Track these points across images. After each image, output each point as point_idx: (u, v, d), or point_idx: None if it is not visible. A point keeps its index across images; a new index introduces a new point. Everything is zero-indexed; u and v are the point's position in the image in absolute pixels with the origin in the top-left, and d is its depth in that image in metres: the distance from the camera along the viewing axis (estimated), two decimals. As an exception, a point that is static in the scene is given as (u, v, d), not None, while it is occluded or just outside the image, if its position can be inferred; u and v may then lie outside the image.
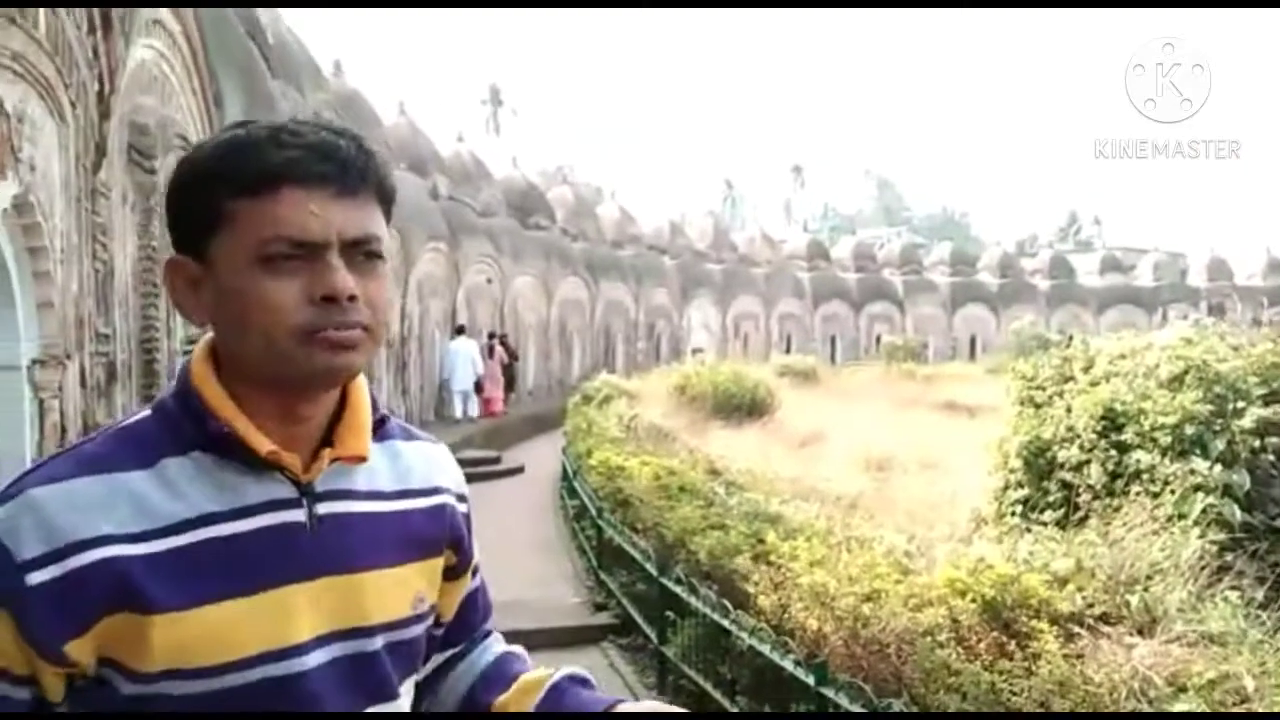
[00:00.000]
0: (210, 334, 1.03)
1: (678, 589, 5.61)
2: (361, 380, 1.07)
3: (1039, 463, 5.51)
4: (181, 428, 0.99)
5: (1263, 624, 3.94)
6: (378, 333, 1.00)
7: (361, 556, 1.03)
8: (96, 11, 4.49)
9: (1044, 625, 3.95)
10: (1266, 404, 4.94)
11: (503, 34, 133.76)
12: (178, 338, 6.32)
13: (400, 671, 1.06)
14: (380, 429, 1.09)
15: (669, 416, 12.76)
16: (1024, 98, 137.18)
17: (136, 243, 6.05)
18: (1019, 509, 5.51)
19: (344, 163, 0.97)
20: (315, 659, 0.98)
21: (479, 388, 18.07)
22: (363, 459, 1.05)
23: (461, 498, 1.17)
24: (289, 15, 14.22)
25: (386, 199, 1.02)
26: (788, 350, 30.23)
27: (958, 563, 4.56)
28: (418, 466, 1.13)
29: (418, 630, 1.08)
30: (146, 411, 1.04)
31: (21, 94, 3.57)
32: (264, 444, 0.97)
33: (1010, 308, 37.14)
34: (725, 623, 4.92)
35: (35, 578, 0.90)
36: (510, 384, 20.03)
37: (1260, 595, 4.17)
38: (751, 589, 5.14)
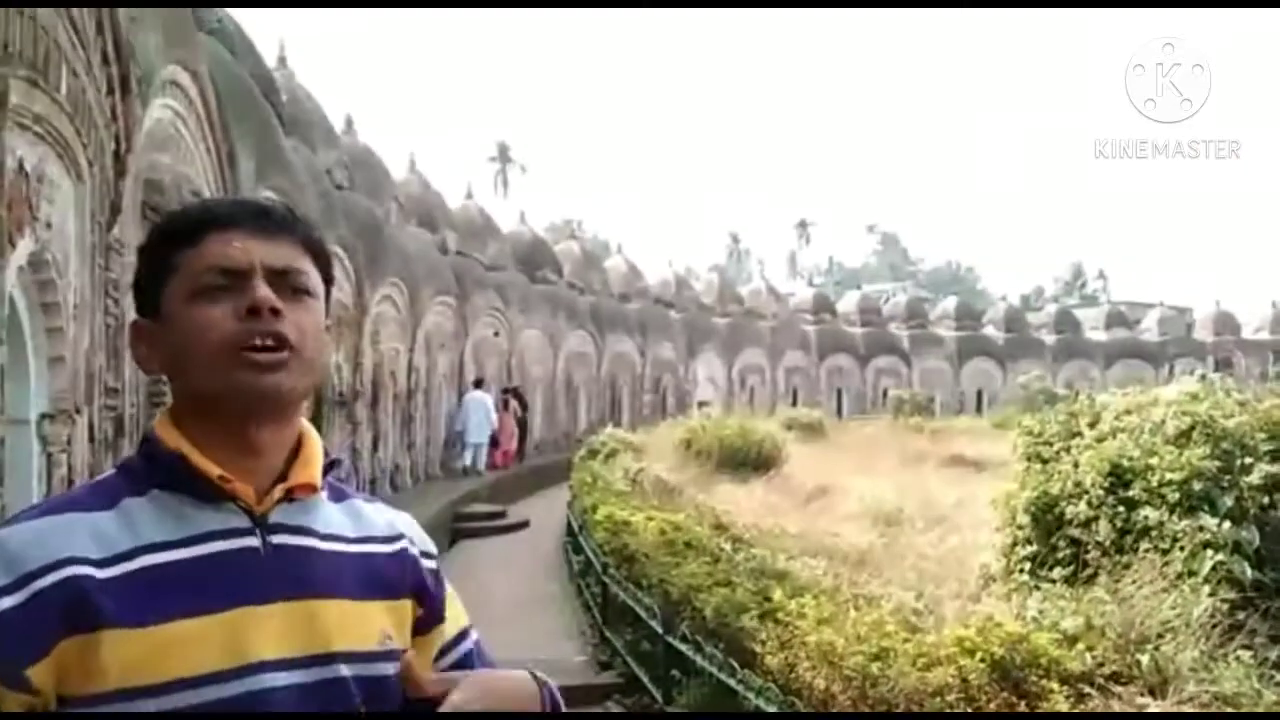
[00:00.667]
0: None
1: (683, 647, 5.55)
2: (309, 425, 1.15)
3: (1047, 519, 5.48)
4: (140, 472, 1.07)
5: (1278, 685, 3.89)
6: (306, 357, 1.08)
7: (320, 585, 1.07)
8: (115, 73, 4.60)
9: (1054, 685, 3.91)
10: (1274, 460, 4.91)
11: (512, 91, 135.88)
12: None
13: (374, 708, 1.06)
14: (330, 470, 1.15)
15: (675, 470, 12.71)
16: (1028, 153, 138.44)
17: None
18: (1027, 566, 5.46)
19: (264, 210, 1.12)
20: (277, 680, 1.00)
21: (494, 441, 18.15)
22: (312, 487, 1.11)
23: (427, 554, 1.21)
24: (302, 72, 14.49)
25: (316, 252, 1.14)
26: (794, 403, 30.19)
27: (966, 621, 4.52)
28: (379, 521, 1.18)
29: (388, 669, 1.08)
30: (112, 470, 1.12)
31: (41, 155, 3.65)
32: (213, 469, 1.04)
33: (1017, 362, 37.12)
34: (732, 682, 4.86)
35: (3, 603, 0.95)
36: (523, 436, 20.13)
37: (1274, 655, 4.11)
38: (758, 648, 5.08)
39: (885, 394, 33.80)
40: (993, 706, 4.02)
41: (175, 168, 5.92)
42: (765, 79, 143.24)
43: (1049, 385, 33.29)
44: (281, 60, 14.15)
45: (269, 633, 1.02)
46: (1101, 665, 4.02)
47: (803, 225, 79.07)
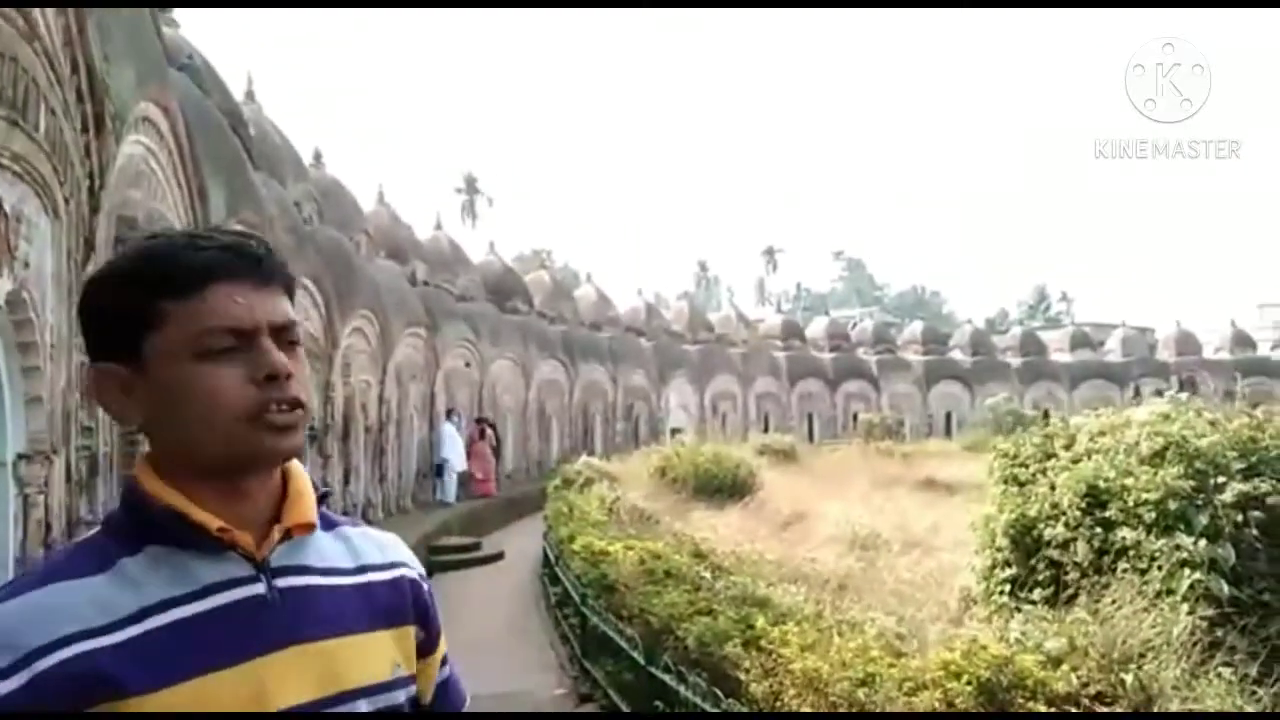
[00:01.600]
0: (146, 448, 1.07)
1: (666, 677, 5.52)
2: (296, 461, 1.12)
3: (1025, 541, 5.53)
4: (131, 529, 1.03)
5: (1258, 700, 3.94)
6: (309, 410, 1.07)
7: (328, 624, 1.06)
8: (90, 110, 4.58)
9: (1040, 707, 3.94)
10: (1246, 478, 5.00)
11: (479, 122, 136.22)
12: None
13: None
14: (323, 502, 1.14)
15: (651, 499, 12.68)
16: (990, 179, 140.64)
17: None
18: (1007, 588, 5.50)
19: (258, 259, 1.06)
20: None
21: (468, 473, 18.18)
22: (312, 526, 1.10)
23: (422, 576, 1.21)
24: (270, 105, 14.47)
25: (291, 291, 1.11)
26: (766, 429, 30.25)
27: (951, 645, 4.54)
28: (371, 548, 1.17)
29: (402, 697, 1.09)
30: (97, 529, 1.08)
31: (20, 194, 3.62)
32: (213, 521, 1.02)
33: (984, 385, 37.51)
34: (716, 712, 4.84)
35: (5, 687, 0.91)
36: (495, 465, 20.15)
37: (1254, 671, 4.16)
38: (742, 676, 5.06)
39: (855, 418, 34.00)
40: (980, 729, 4.04)
41: (147, 203, 5.88)
42: (730, 107, 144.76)
43: (1016, 407, 33.64)
44: (249, 95, 14.13)
45: (286, 679, 1.00)
46: (1086, 685, 4.05)
47: (770, 252, 79.66)
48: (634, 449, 21.93)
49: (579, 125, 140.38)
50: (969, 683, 4.16)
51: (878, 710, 4.30)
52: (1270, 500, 4.86)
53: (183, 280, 1.01)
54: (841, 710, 4.44)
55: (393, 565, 1.17)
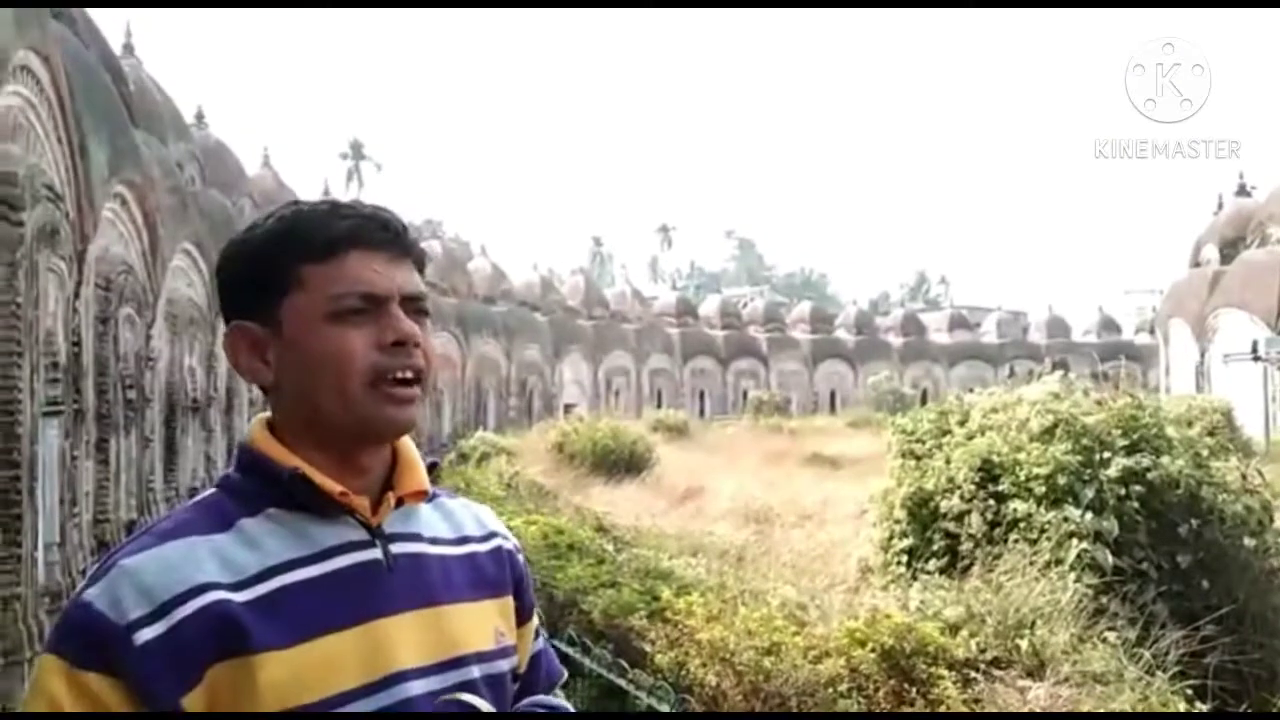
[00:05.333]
0: (265, 413, 1.12)
1: (570, 650, 5.53)
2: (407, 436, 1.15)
3: (922, 513, 5.71)
4: (250, 491, 1.05)
5: (1139, 662, 4.18)
6: (428, 384, 1.09)
7: (440, 591, 1.09)
8: (-36, 55, 4.25)
9: (942, 671, 4.08)
10: (1129, 454, 5.27)
11: (366, 86, 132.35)
12: (39, 401, 5.91)
13: (497, 705, 1.10)
14: (432, 471, 1.16)
15: (549, 474, 12.68)
16: (874, 163, 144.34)
17: (-5, 299, 5.67)
18: (905, 558, 5.68)
19: (396, 232, 1.10)
20: (417, 689, 1.03)
21: None
22: (425, 493, 1.13)
23: (517, 548, 1.24)
24: (150, 61, 13.74)
25: (422, 266, 1.15)
26: (659, 405, 30.56)
27: (854, 613, 4.67)
28: (468, 518, 1.20)
29: (505, 666, 1.13)
30: (212, 489, 1.10)
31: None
32: (335, 486, 1.04)
33: (867, 363, 38.70)
34: (622, 682, 4.87)
35: (143, 635, 0.93)
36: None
37: (1133, 635, 4.41)
38: (648, 647, 5.10)
39: (745, 395, 34.66)
40: (883, 694, 4.17)
41: (26, 159, 5.52)
42: (625, 83, 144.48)
43: (897, 385, 34.87)
44: (128, 48, 13.41)
45: (404, 642, 1.03)
46: (984, 651, 4.22)
47: (665, 230, 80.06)
48: (528, 424, 21.84)
49: (471, 93, 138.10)
50: (873, 650, 4.28)
51: (783, 676, 4.40)
52: (1150, 475, 5.14)
53: (323, 246, 1.05)
54: (748, 679, 4.53)
55: (490, 536, 1.20)
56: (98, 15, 9.95)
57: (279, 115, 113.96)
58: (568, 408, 27.17)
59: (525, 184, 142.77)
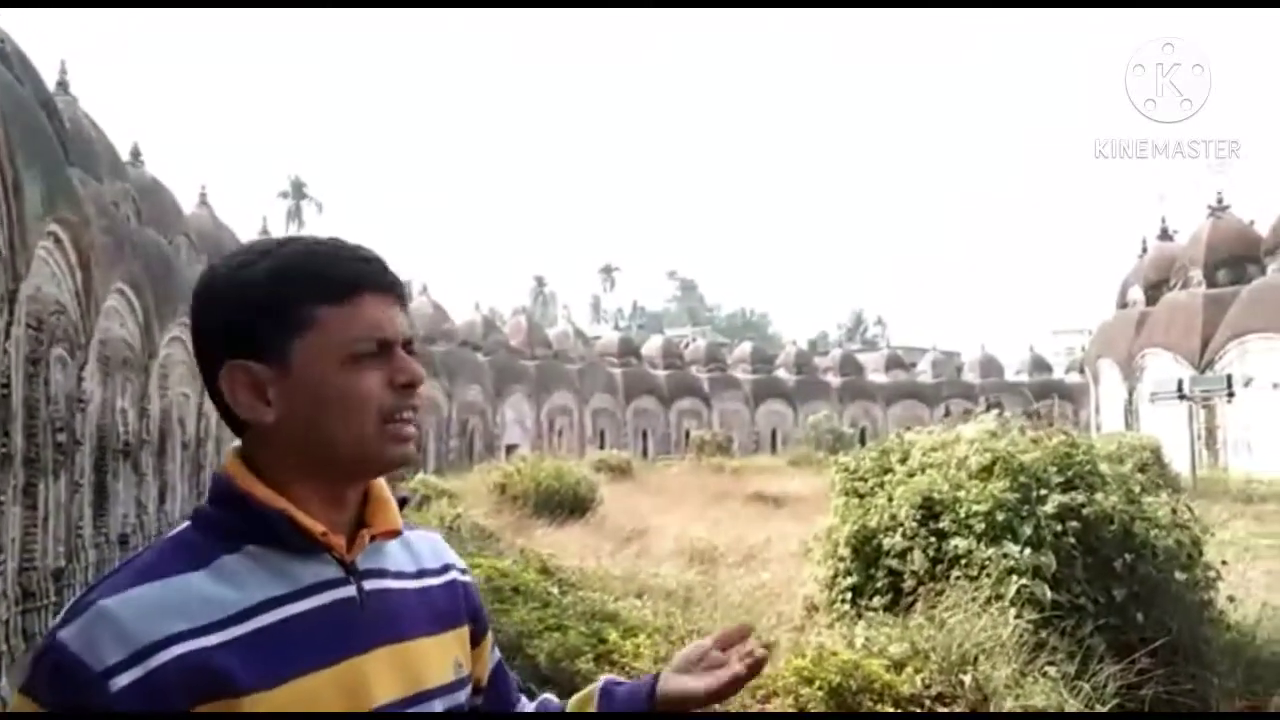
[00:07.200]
0: (236, 444, 1.12)
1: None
2: None
3: (866, 550, 5.78)
4: (229, 527, 1.06)
5: (1079, 695, 4.26)
6: (422, 421, 1.11)
7: (406, 627, 1.12)
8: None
9: (888, 708, 4.12)
10: (1064, 491, 5.41)
11: (306, 124, 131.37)
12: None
13: None
14: (401, 508, 1.19)
15: (492, 516, 12.55)
16: (809, 205, 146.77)
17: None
18: (849, 596, 5.73)
19: (395, 276, 1.15)
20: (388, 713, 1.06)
21: None
22: (398, 533, 1.17)
23: (464, 571, 1.28)
24: (86, 99, 13.51)
25: (406, 307, 1.19)
26: (602, 445, 30.50)
27: (801, 651, 4.70)
28: (424, 550, 1.23)
29: (463, 696, 1.17)
30: (186, 524, 1.11)
31: None
32: (316, 526, 1.06)
33: (807, 403, 39.10)
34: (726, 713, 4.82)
35: (119, 682, 0.93)
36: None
37: (1072, 669, 4.49)
38: (596, 690, 5.07)
39: (688, 435, 34.72)
40: (830, 733, 4.19)
41: (-43, 195, 5.38)
42: (568, 124, 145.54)
43: (837, 425, 35.26)
44: (62, 85, 13.17)
45: (379, 679, 1.06)
46: (929, 687, 4.28)
47: (608, 270, 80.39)
48: (469, 466, 21.62)
49: (414, 132, 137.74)
50: (820, 687, 4.31)
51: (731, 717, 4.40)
52: (1085, 511, 5.27)
53: (340, 288, 1.07)
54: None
55: (445, 569, 1.23)
56: (32, 51, 9.78)
57: (217, 153, 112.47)
58: (510, 448, 26.98)
59: (467, 223, 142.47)
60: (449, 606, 1.20)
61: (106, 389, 11.20)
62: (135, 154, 16.29)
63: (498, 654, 1.31)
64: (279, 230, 34.52)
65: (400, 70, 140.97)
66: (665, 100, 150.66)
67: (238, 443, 1.12)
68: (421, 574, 1.19)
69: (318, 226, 58.88)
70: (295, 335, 1.06)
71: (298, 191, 58.95)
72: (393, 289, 1.12)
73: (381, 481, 1.17)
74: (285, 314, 1.06)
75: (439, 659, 1.14)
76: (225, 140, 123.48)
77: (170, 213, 16.13)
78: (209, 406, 15.54)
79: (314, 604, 1.05)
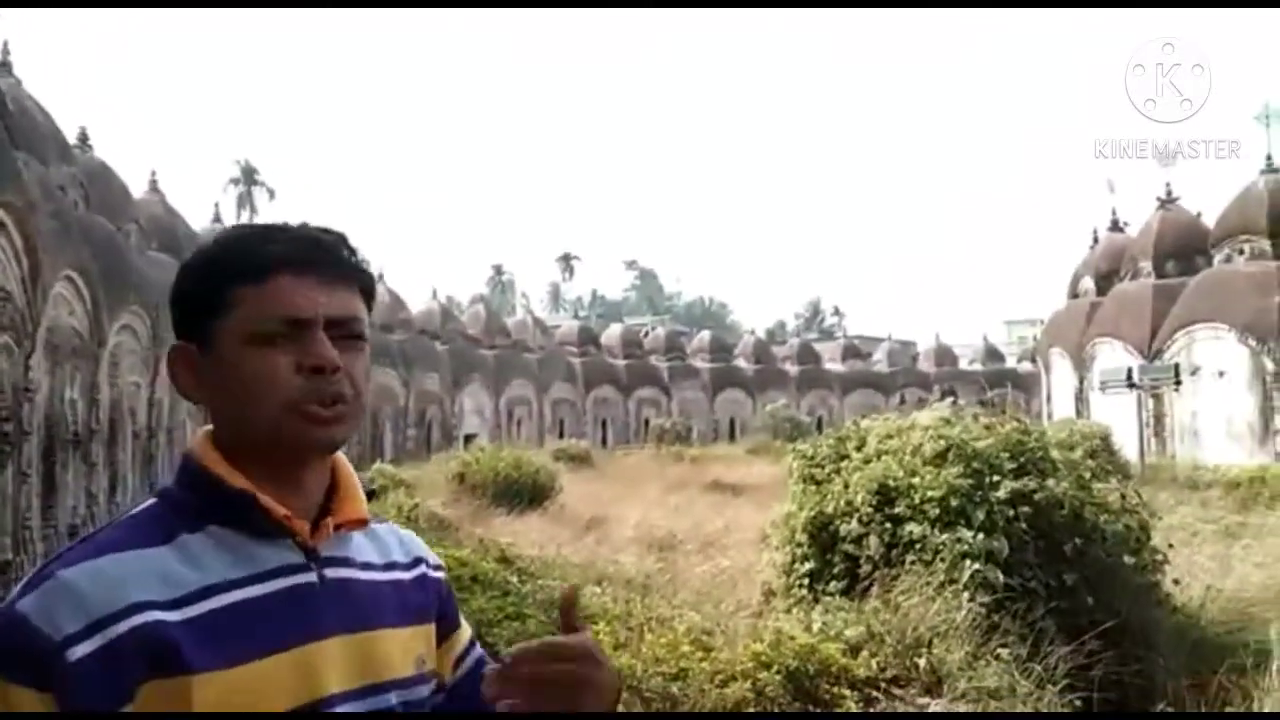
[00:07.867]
0: (208, 426, 1.12)
1: (476, 683, 5.46)
2: (342, 455, 1.17)
3: (823, 536, 5.85)
4: (192, 506, 1.06)
5: (1030, 676, 4.35)
6: (358, 406, 1.10)
7: (368, 618, 1.11)
8: None
9: (845, 691, 4.18)
10: (1017, 477, 5.51)
11: (259, 108, 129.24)
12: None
13: None
14: (371, 499, 1.19)
15: (450, 506, 12.49)
16: (768, 195, 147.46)
17: None
18: (807, 581, 5.80)
19: (328, 252, 1.12)
20: (342, 713, 1.05)
21: None
22: (364, 522, 1.15)
23: (438, 568, 1.26)
24: (30, 81, 13.18)
25: (367, 291, 1.16)
26: (561, 435, 30.45)
27: (760, 636, 4.74)
28: (394, 543, 1.22)
29: (424, 692, 1.15)
30: (152, 500, 1.10)
31: None
32: (278, 509, 1.05)
33: (765, 391, 39.32)
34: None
35: (77, 652, 0.93)
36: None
37: (1024, 651, 4.59)
38: (556, 678, 5.07)
39: (647, 423, 34.80)
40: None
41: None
42: (526, 112, 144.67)
43: (794, 413, 35.54)
44: (5, 66, 12.84)
45: (333, 667, 1.05)
46: (884, 670, 4.35)
47: (567, 258, 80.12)
48: (427, 456, 21.49)
49: (370, 117, 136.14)
50: (778, 672, 4.36)
51: (690, 701, 4.43)
52: (1037, 496, 5.38)
53: (252, 269, 1.07)
54: (655, 706, 4.55)
55: (415, 562, 1.22)
56: (-26, 31, 9.52)
57: (168, 137, 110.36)
58: (468, 438, 26.85)
59: (424, 211, 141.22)
60: (418, 602, 1.18)
61: (55, 378, 10.97)
62: (83, 138, 15.93)
63: (478, 652, 1.25)
64: (230, 218, 33.98)
65: (357, 56, 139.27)
66: (625, 90, 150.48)
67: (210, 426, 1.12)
68: (390, 567, 1.17)
69: (270, 213, 58.02)
70: (216, 316, 1.07)
71: (249, 177, 57.93)
72: (321, 267, 1.09)
73: (349, 470, 1.16)
74: (208, 296, 1.08)
75: (399, 652, 1.12)
76: (177, 125, 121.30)
77: (120, 198, 15.80)
78: (160, 395, 15.29)
79: (273, 588, 1.04)
